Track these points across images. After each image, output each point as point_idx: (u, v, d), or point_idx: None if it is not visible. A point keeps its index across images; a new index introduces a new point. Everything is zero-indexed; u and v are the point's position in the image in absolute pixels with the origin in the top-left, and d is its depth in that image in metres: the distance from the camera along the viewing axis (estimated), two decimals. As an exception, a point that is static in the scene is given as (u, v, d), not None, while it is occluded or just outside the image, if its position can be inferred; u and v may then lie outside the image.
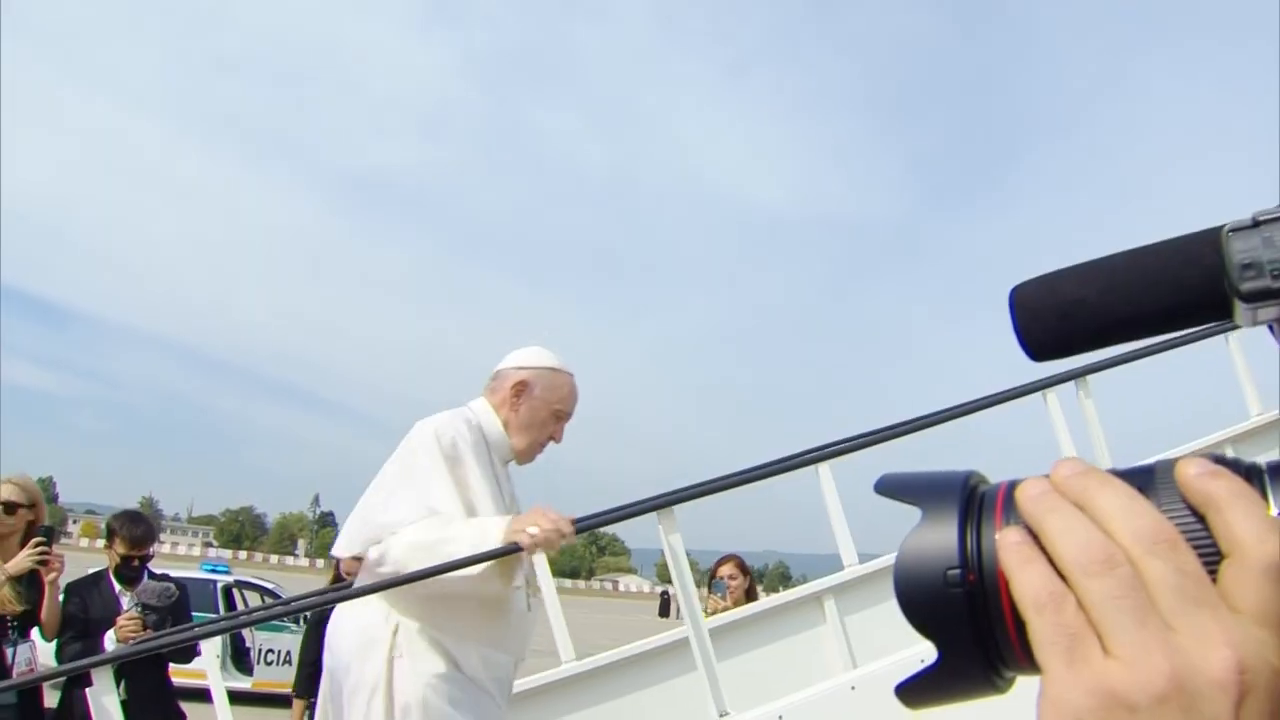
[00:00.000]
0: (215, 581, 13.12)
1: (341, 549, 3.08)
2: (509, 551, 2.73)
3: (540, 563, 3.89)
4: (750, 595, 5.58)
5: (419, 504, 2.81)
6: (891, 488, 0.44)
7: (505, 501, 2.98)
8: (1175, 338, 5.64)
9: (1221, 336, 5.86)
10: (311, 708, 5.72)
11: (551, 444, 3.16)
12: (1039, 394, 4.24)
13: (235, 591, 13.44)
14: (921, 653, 2.95)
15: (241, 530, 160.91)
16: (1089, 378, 3.51)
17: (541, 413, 3.09)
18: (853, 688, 2.88)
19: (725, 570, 5.56)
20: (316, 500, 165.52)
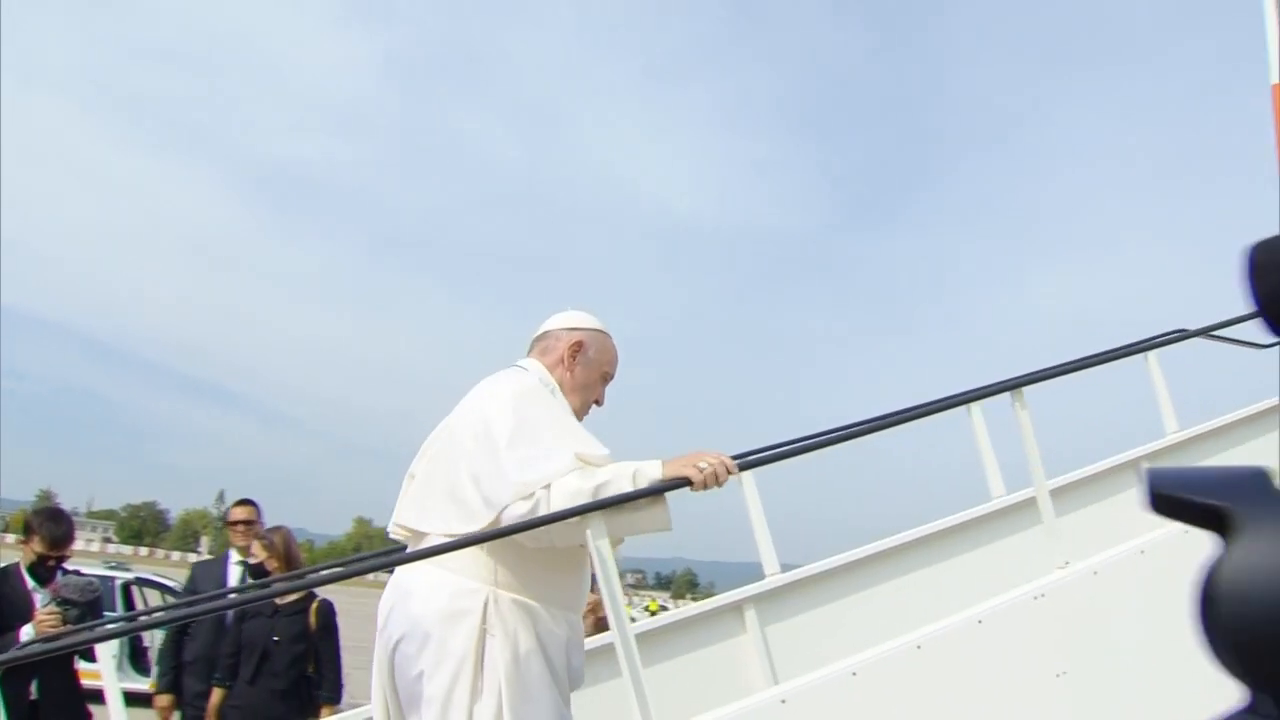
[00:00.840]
0: (114, 579, 12.77)
1: (414, 518, 2.89)
2: (675, 486, 2.72)
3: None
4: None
5: (566, 452, 2.71)
6: (1177, 486, 0.35)
7: None
8: (1094, 355, 5.73)
9: (1141, 355, 5.98)
10: (182, 706, 5.56)
11: (595, 407, 3.13)
12: (963, 407, 4.24)
13: (135, 589, 13.10)
14: (853, 666, 2.91)
15: (143, 526, 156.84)
16: (1024, 390, 3.51)
17: (594, 374, 3.09)
18: (783, 701, 2.82)
19: None
20: (221, 496, 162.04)
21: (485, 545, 2.68)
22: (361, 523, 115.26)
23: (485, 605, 2.63)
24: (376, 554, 3.83)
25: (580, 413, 3.04)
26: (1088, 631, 3.25)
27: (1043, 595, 3.19)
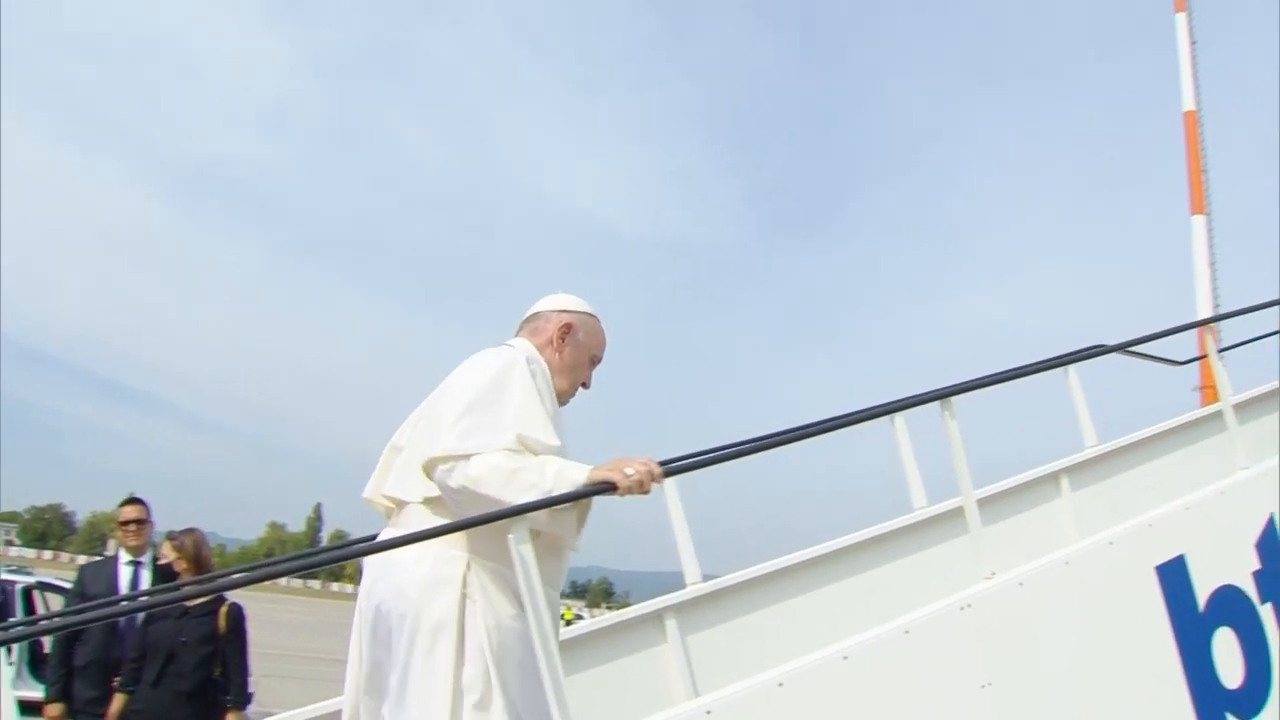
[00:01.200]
0: (15, 583, 12.35)
1: (398, 487, 2.91)
2: (600, 491, 2.71)
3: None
4: None
5: (509, 431, 2.72)
6: None
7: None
8: (1017, 369, 5.75)
9: (1061, 370, 6.04)
10: (74, 713, 5.36)
11: (581, 390, 3.16)
12: (887, 417, 4.26)
13: (36, 594, 12.68)
14: (779, 677, 2.85)
15: (48, 528, 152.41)
16: (953, 399, 3.48)
17: (583, 356, 3.13)
18: (708, 712, 2.75)
19: None
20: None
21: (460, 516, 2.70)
22: (275, 527, 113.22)
23: (465, 573, 2.68)
24: (337, 546, 3.66)
25: (567, 394, 3.09)
26: (1013, 642, 3.23)
27: (969, 606, 3.18)
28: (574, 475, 2.71)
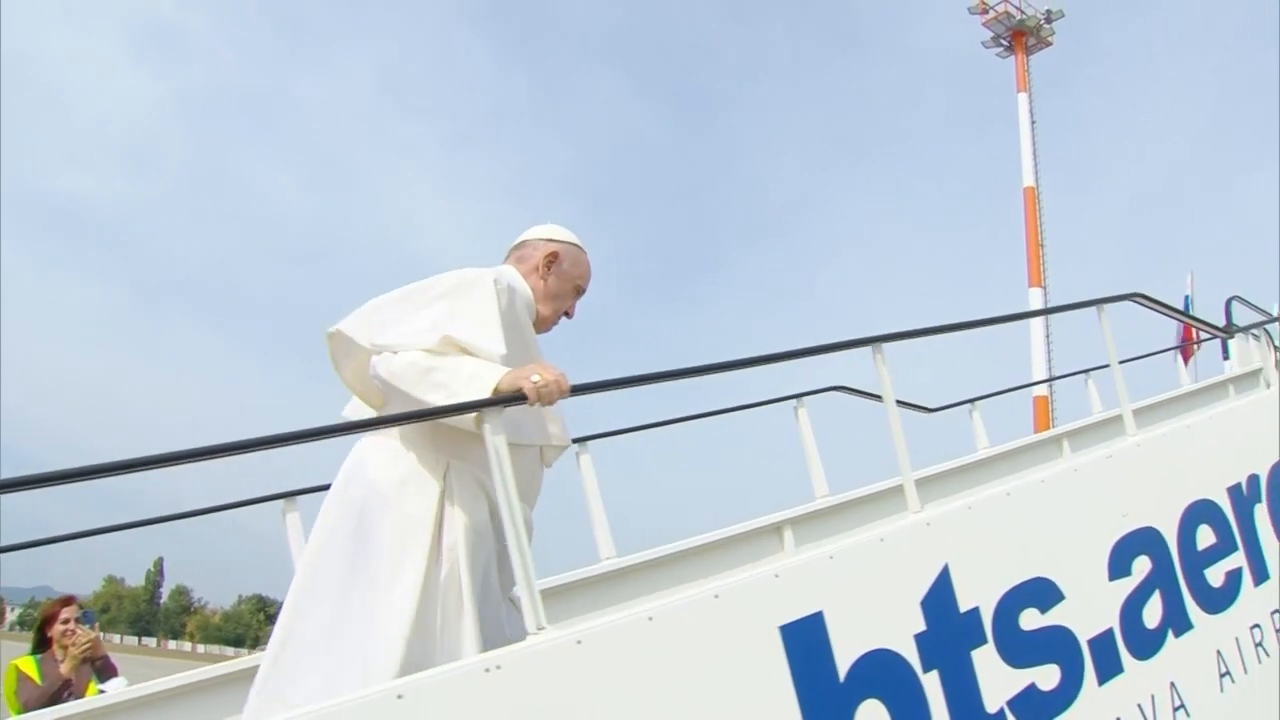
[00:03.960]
0: None
1: (350, 326, 2.91)
2: (511, 399, 2.68)
3: None
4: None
5: (437, 333, 2.76)
6: None
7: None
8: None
9: (792, 405, 5.53)
10: None
11: (565, 320, 3.25)
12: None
13: None
14: (650, 612, 2.83)
15: None
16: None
17: (567, 285, 3.21)
18: (578, 642, 2.58)
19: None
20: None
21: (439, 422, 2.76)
22: (112, 581, 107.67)
23: (446, 474, 2.77)
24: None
25: (550, 321, 3.19)
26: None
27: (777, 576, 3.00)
28: (487, 377, 2.68)
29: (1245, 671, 4.40)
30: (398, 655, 2.56)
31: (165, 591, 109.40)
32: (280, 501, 4.37)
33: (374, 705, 2.29)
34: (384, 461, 2.79)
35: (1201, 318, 5.46)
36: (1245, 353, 6.84)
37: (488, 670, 2.44)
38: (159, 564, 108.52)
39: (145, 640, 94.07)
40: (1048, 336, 30.74)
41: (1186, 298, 14.16)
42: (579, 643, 2.58)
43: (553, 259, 3.19)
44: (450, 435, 2.80)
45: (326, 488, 4.37)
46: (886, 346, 3.66)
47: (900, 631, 3.20)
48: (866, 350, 3.72)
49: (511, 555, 2.62)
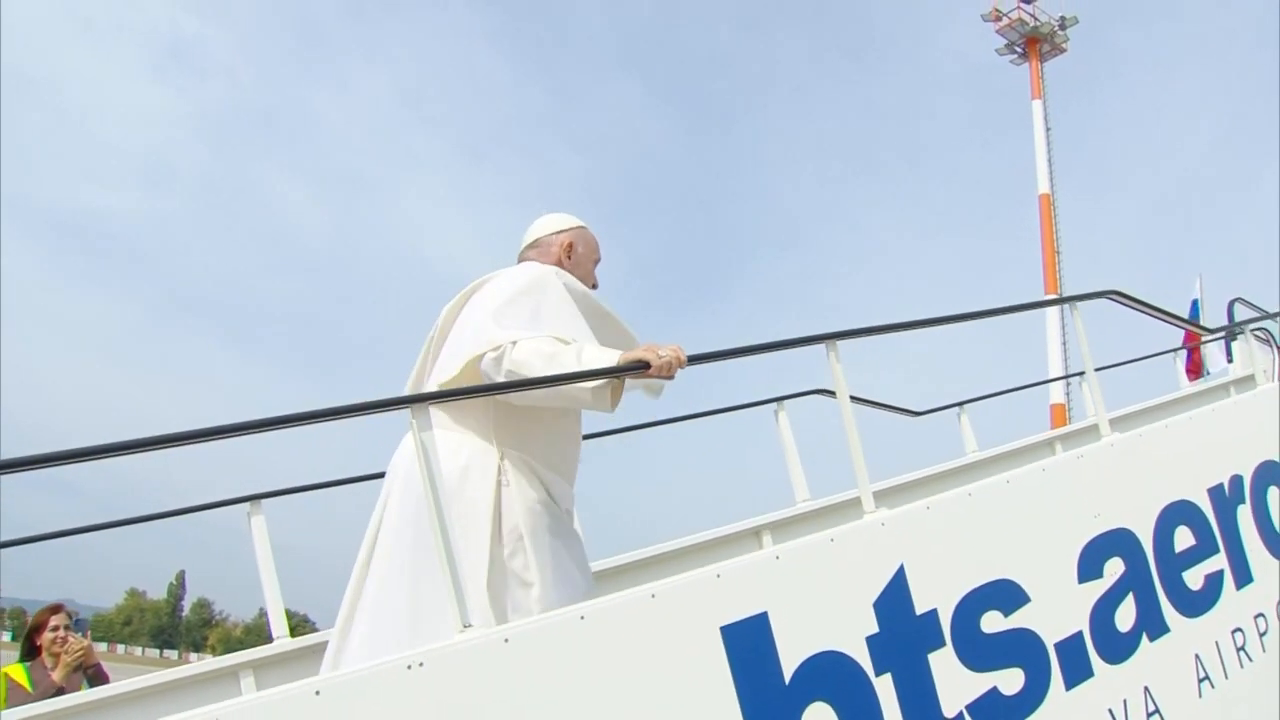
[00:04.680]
0: None
1: (444, 370, 3.09)
2: (635, 367, 2.87)
3: None
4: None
5: (545, 326, 2.98)
6: None
7: None
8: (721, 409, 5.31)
9: (773, 409, 5.49)
10: None
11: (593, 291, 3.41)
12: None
13: None
14: (582, 610, 2.76)
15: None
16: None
17: (587, 264, 3.47)
18: (505, 640, 2.54)
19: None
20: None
21: (491, 413, 3.02)
22: (134, 594, 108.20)
23: (500, 462, 2.98)
24: None
25: None
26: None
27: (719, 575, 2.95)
28: (606, 359, 2.87)
29: (1226, 677, 4.31)
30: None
31: (187, 604, 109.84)
32: (246, 505, 4.36)
33: (290, 701, 2.26)
34: (446, 453, 2.91)
35: (1184, 317, 5.36)
36: (1247, 354, 6.76)
37: (410, 667, 2.39)
38: (181, 577, 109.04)
39: (167, 653, 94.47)
40: (1064, 341, 30.53)
41: (1195, 301, 14.04)
42: (506, 641, 2.53)
43: (569, 249, 3.43)
44: (506, 427, 3.03)
45: (290, 491, 4.38)
46: (843, 344, 3.60)
47: (851, 633, 3.13)
48: (861, 352, 3.70)
49: (436, 553, 2.61)
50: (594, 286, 3.45)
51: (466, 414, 3.05)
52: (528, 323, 2.98)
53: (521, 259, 3.45)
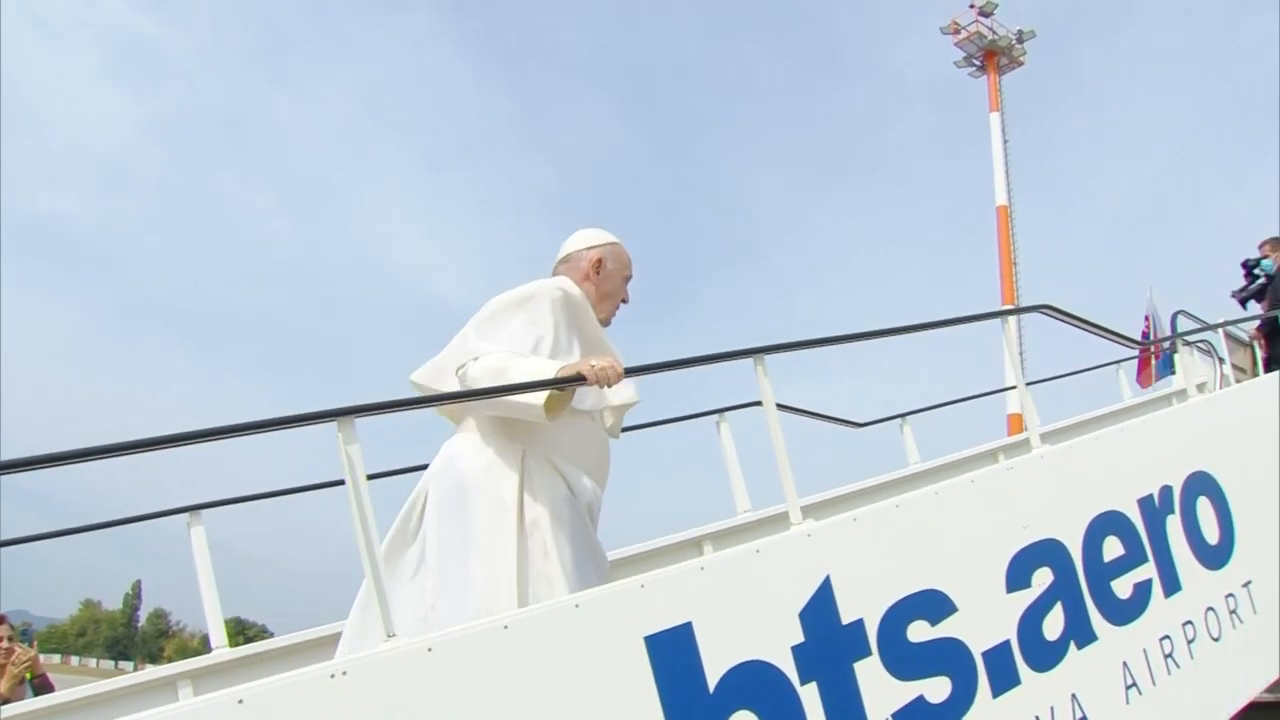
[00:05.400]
0: None
1: (426, 375, 3.41)
2: (572, 380, 3.11)
3: None
4: None
5: (512, 340, 3.25)
6: None
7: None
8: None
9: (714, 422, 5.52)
10: None
11: (624, 305, 3.69)
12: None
13: None
14: (506, 620, 2.82)
15: None
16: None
17: (616, 280, 3.64)
18: (429, 650, 2.60)
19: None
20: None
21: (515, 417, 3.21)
22: (89, 605, 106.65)
23: (523, 460, 3.22)
24: None
25: (610, 316, 3.63)
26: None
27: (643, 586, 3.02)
28: (547, 371, 3.11)
29: (1154, 684, 4.39)
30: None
31: (143, 615, 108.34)
32: (185, 515, 4.35)
33: (213, 710, 2.29)
34: (470, 453, 3.24)
35: (1116, 331, 5.46)
36: (1190, 366, 6.86)
37: (333, 676, 2.43)
38: (137, 587, 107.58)
39: (123, 664, 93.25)
40: (1021, 352, 30.82)
41: (1146, 314, 14.24)
42: (429, 650, 2.57)
43: (598, 264, 3.60)
44: (523, 428, 3.23)
45: (231, 501, 4.38)
46: (771, 358, 3.66)
47: (776, 643, 3.18)
48: (811, 364, 3.76)
49: (363, 563, 2.66)
50: (624, 301, 3.66)
51: (485, 421, 3.31)
52: (500, 336, 3.25)
53: (555, 273, 3.64)
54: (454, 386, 3.30)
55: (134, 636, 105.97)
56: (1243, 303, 9.21)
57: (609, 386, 3.19)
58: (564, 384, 3.12)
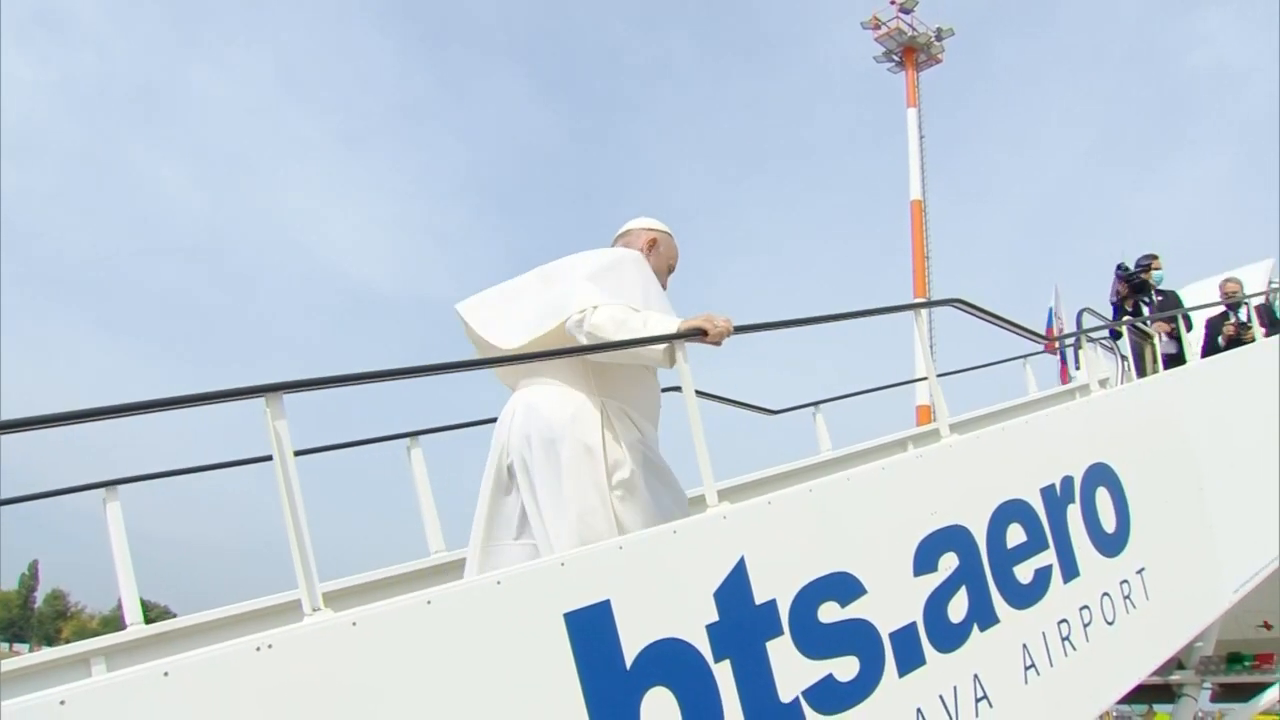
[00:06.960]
0: None
1: (521, 332, 3.65)
2: (693, 333, 3.51)
3: None
4: None
5: (624, 296, 3.54)
6: None
7: None
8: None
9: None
10: None
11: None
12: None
13: None
14: (429, 595, 2.91)
15: None
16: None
17: (663, 264, 3.97)
18: (354, 624, 2.67)
19: None
20: None
21: (591, 368, 3.59)
22: None
23: (604, 410, 3.55)
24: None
25: None
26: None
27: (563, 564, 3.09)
28: (669, 325, 3.48)
29: (1051, 665, 4.56)
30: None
31: (40, 596, 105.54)
32: (101, 490, 4.29)
33: (138, 682, 2.30)
34: (555, 404, 3.52)
35: (1024, 326, 5.63)
36: (1094, 362, 7.09)
37: (258, 649, 2.45)
38: (34, 567, 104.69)
39: (18, 646, 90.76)
40: (931, 345, 31.42)
41: (1050, 310, 14.66)
42: (354, 624, 2.60)
43: (653, 244, 3.95)
44: (601, 380, 3.59)
45: (147, 477, 4.33)
46: (690, 345, 3.73)
47: (691, 621, 3.27)
48: (736, 352, 3.88)
49: (289, 539, 2.68)
50: (664, 287, 3.88)
51: (568, 369, 3.59)
52: (609, 291, 3.51)
53: (615, 245, 3.97)
54: (549, 337, 3.56)
55: (30, 618, 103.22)
56: (1117, 306, 9.47)
57: (719, 344, 3.55)
58: (685, 338, 3.50)
